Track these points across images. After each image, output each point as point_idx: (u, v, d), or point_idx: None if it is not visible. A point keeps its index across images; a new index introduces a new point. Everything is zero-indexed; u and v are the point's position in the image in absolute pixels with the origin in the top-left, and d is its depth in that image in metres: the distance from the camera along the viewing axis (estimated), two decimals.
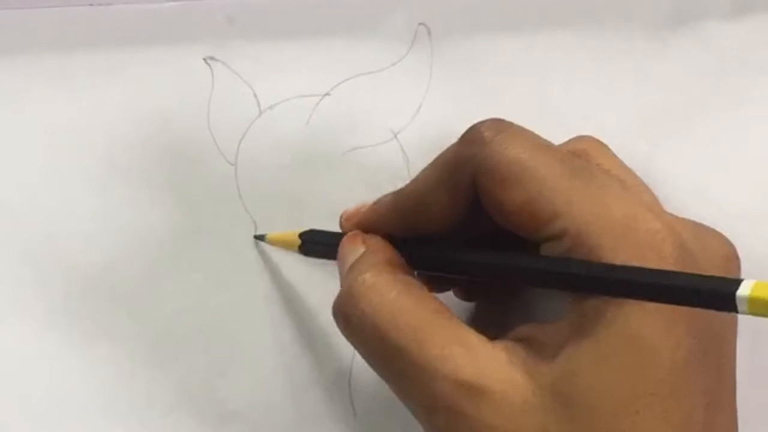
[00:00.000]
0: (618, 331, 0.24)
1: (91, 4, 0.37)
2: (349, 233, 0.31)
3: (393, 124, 0.36)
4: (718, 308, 0.22)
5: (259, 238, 0.35)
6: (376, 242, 0.30)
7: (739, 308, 0.21)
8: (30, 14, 0.38)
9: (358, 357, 0.34)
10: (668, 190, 0.35)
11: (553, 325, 0.26)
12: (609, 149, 0.31)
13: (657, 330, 0.24)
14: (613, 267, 0.24)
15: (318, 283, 0.34)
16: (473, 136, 0.27)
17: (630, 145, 0.35)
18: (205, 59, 0.36)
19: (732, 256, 0.28)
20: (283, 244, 0.34)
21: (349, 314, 0.28)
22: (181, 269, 0.34)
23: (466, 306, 0.34)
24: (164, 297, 0.34)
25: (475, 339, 0.26)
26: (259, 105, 0.36)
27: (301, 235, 0.33)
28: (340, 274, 0.30)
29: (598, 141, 0.31)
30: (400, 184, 0.32)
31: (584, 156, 0.29)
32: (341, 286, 0.29)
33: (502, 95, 0.36)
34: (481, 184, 0.27)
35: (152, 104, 0.36)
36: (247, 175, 0.35)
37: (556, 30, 0.38)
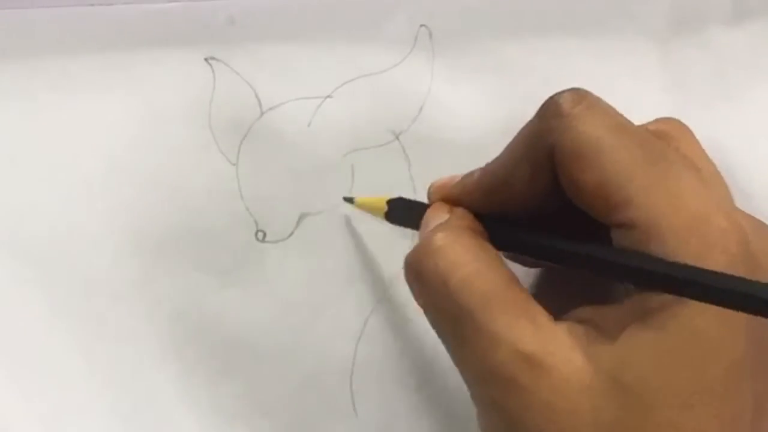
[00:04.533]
0: (681, 325, 0.24)
1: (92, 5, 0.37)
2: (436, 203, 0.30)
3: (394, 126, 0.36)
4: None
5: (348, 200, 0.35)
6: (461, 211, 0.29)
7: None
8: (30, 15, 0.38)
9: (360, 357, 0.34)
10: None
11: (615, 311, 0.26)
12: (691, 133, 0.30)
13: (718, 329, 0.24)
14: (680, 266, 0.24)
15: (320, 284, 0.34)
16: (551, 109, 0.27)
17: None
18: (206, 59, 0.36)
19: None
20: (370, 209, 0.34)
21: (422, 268, 0.27)
22: (182, 269, 0.34)
23: (531, 282, 0.34)
24: (165, 297, 0.34)
25: (541, 315, 0.26)
26: (260, 106, 0.36)
27: (389, 202, 0.33)
28: (420, 235, 0.30)
29: (681, 123, 0.30)
30: (402, 187, 0.32)
31: (665, 138, 0.28)
32: (419, 242, 0.28)
33: (503, 97, 0.36)
34: (557, 160, 0.26)
35: (154, 104, 0.36)
36: (249, 175, 0.35)
37: (558, 32, 0.38)
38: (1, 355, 0.34)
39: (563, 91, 0.27)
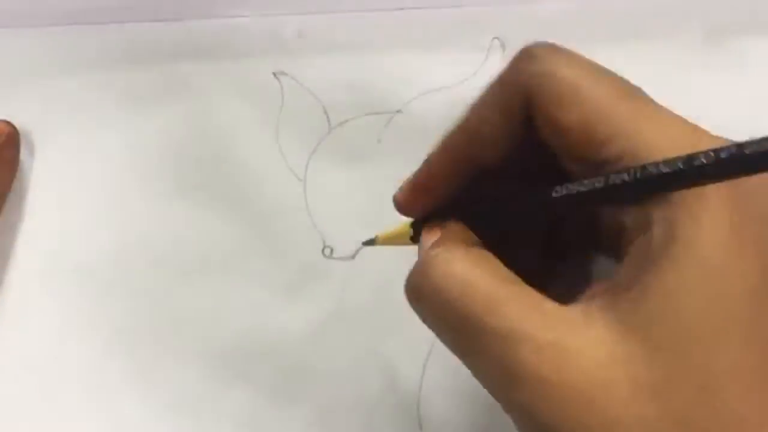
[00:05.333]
0: (687, 262, 0.24)
1: (159, 20, 0.38)
2: (426, 225, 0.30)
3: None
4: None
5: (369, 243, 0.35)
6: (452, 224, 0.29)
7: None
8: (97, 30, 0.39)
9: (427, 378, 0.33)
10: None
11: (620, 274, 0.25)
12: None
13: (729, 257, 0.24)
14: (688, 156, 0.23)
15: (386, 303, 0.34)
16: (527, 54, 0.26)
17: None
18: (275, 74, 0.37)
19: None
20: (395, 240, 0.34)
21: (419, 288, 0.27)
22: (249, 285, 0.34)
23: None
24: (231, 315, 0.35)
25: (550, 304, 0.25)
26: (329, 121, 0.36)
27: (413, 225, 0.32)
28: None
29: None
30: None
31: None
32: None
33: None
34: (535, 103, 0.26)
35: (221, 120, 0.37)
36: (316, 191, 0.35)
37: (631, 44, 0.38)
38: (63, 372, 0.35)
39: (538, 41, 0.27)
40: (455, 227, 0.29)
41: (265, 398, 0.34)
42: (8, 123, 0.37)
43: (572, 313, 0.25)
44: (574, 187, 0.26)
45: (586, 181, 0.26)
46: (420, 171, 0.29)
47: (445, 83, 0.36)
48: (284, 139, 0.36)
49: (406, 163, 0.35)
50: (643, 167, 0.24)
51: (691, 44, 0.38)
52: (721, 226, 0.24)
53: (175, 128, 0.37)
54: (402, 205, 0.30)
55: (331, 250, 0.35)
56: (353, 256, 0.35)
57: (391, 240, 0.33)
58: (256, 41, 0.38)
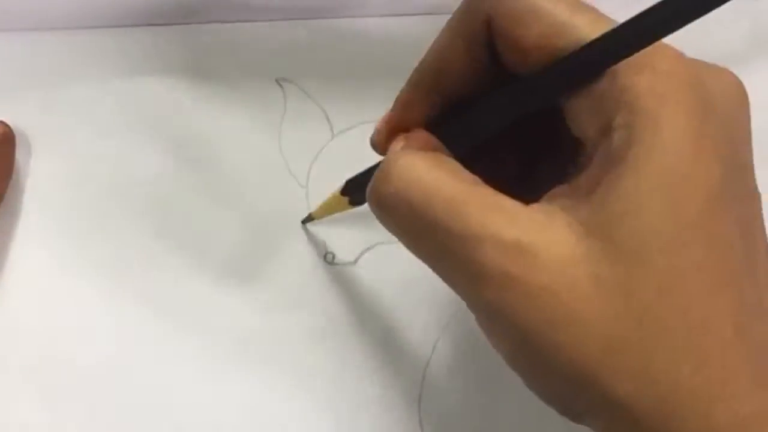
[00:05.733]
0: (648, 165, 0.24)
1: (161, 24, 0.38)
2: (394, 138, 0.30)
3: None
4: None
5: (308, 220, 0.35)
6: (414, 133, 0.29)
7: None
8: (95, 35, 0.39)
9: (428, 382, 0.34)
10: None
11: (583, 175, 0.26)
12: None
13: (687, 159, 0.24)
14: (633, 19, 0.24)
15: (387, 308, 0.34)
16: None
17: None
18: (277, 80, 0.37)
19: (741, 86, 0.28)
20: (332, 209, 0.34)
21: (381, 194, 0.27)
22: (249, 290, 0.34)
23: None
24: (231, 317, 0.35)
25: (511, 203, 0.26)
26: (331, 128, 0.36)
27: (344, 191, 0.33)
28: None
29: None
30: None
31: None
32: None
33: None
34: (495, 26, 0.26)
35: (223, 125, 0.37)
36: (319, 198, 0.35)
37: None
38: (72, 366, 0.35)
39: None
40: (419, 134, 0.29)
41: (264, 399, 0.34)
42: (3, 123, 0.37)
43: (534, 212, 0.25)
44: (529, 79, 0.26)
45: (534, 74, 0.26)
46: (393, 109, 0.30)
47: None
48: (286, 145, 0.36)
49: None
50: (587, 44, 0.25)
51: (724, 51, 0.38)
52: (681, 130, 0.24)
53: (176, 133, 0.37)
54: (379, 146, 0.30)
55: (333, 256, 0.35)
56: (355, 262, 0.35)
57: (328, 209, 0.34)
58: (259, 47, 0.37)
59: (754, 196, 0.27)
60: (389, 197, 0.27)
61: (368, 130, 0.34)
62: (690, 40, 0.37)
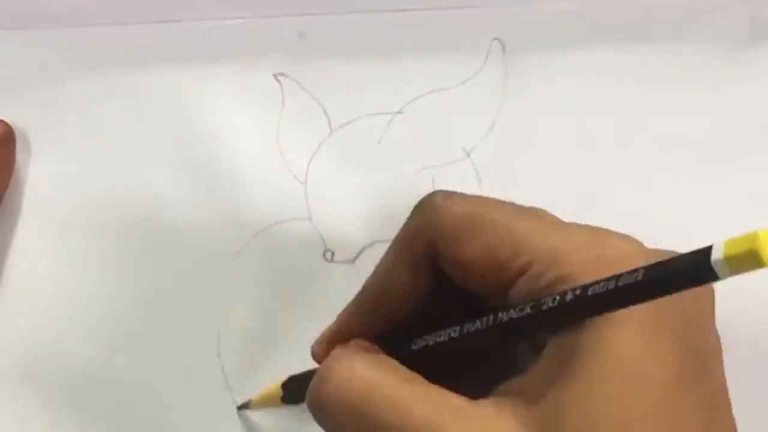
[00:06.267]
0: (601, 358, 0.24)
1: (159, 21, 0.38)
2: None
3: (465, 143, 0.36)
4: (700, 282, 0.21)
5: (243, 407, 0.35)
6: (352, 341, 0.29)
7: (720, 274, 0.21)
8: (97, 31, 0.39)
9: None
10: (746, 206, 0.35)
11: (536, 370, 0.26)
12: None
13: (640, 349, 0.24)
14: (586, 287, 0.24)
15: None
16: (423, 206, 0.28)
17: (707, 162, 0.35)
18: (275, 76, 0.37)
19: None
20: (269, 401, 0.34)
21: (321, 399, 0.27)
22: (249, 287, 0.34)
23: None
24: (232, 314, 0.35)
25: (458, 401, 0.25)
26: (330, 123, 0.36)
27: (284, 386, 0.33)
28: None
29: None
30: None
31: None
32: None
33: (576, 112, 0.36)
34: (439, 250, 0.27)
35: (221, 121, 0.37)
36: (317, 194, 0.35)
37: (632, 46, 0.38)
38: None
39: (434, 191, 0.28)
40: (356, 341, 0.29)
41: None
42: (3, 122, 0.37)
43: (483, 408, 0.25)
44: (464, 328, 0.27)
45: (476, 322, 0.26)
46: (335, 326, 0.30)
47: (446, 84, 0.36)
48: (285, 141, 0.36)
49: (406, 163, 0.36)
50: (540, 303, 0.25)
51: (699, 48, 0.38)
52: (633, 322, 0.24)
53: (174, 130, 0.37)
54: (319, 358, 0.30)
55: (332, 254, 0.35)
56: (354, 260, 0.35)
57: (266, 402, 0.34)
58: (256, 43, 0.38)
59: (718, 384, 0.27)
60: (329, 397, 0.26)
61: (367, 125, 0.36)
62: (689, 34, 0.37)
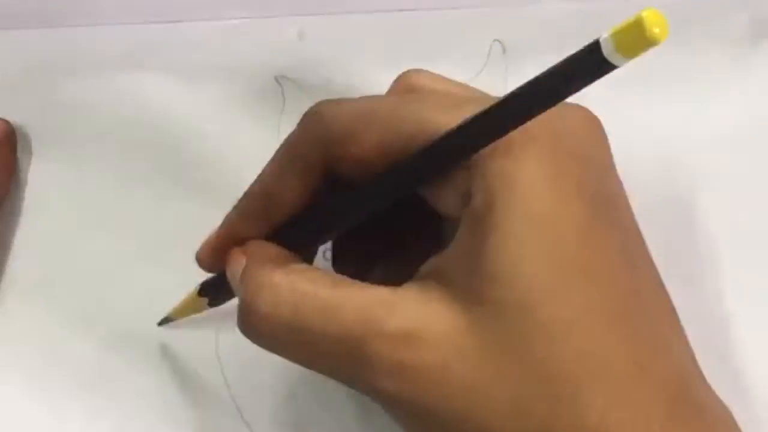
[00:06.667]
0: (510, 220, 0.24)
1: (160, 21, 0.38)
2: (231, 251, 0.30)
3: None
4: (597, 74, 0.22)
5: (165, 321, 0.35)
6: (256, 246, 0.29)
7: (613, 60, 0.21)
8: (96, 32, 0.39)
9: None
10: (748, 204, 0.35)
11: (452, 245, 0.26)
12: (437, 75, 0.31)
13: (549, 204, 0.24)
14: (482, 113, 0.24)
15: None
16: (311, 116, 0.28)
17: (712, 161, 0.35)
18: (276, 78, 0.37)
19: (592, 118, 0.29)
20: (188, 311, 0.34)
21: (254, 324, 0.27)
22: None
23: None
24: (232, 314, 0.34)
25: (384, 293, 0.26)
26: None
27: (199, 292, 0.33)
28: (236, 293, 0.30)
29: (425, 72, 0.31)
30: None
31: (417, 90, 0.30)
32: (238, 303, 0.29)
33: None
34: (333, 153, 0.27)
35: (222, 123, 0.37)
36: None
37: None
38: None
39: (316, 103, 0.29)
40: (259, 247, 0.29)
41: (267, 398, 0.34)
42: (4, 121, 0.37)
43: (408, 293, 0.26)
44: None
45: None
46: (219, 232, 0.30)
47: None
48: None
49: None
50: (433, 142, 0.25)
51: (700, 49, 0.38)
52: (535, 177, 0.24)
53: (175, 131, 0.37)
54: (204, 264, 0.31)
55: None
56: None
57: (185, 311, 0.34)
58: (257, 43, 0.38)
59: (630, 225, 0.27)
60: (261, 323, 0.27)
61: None
62: (689, 35, 0.37)
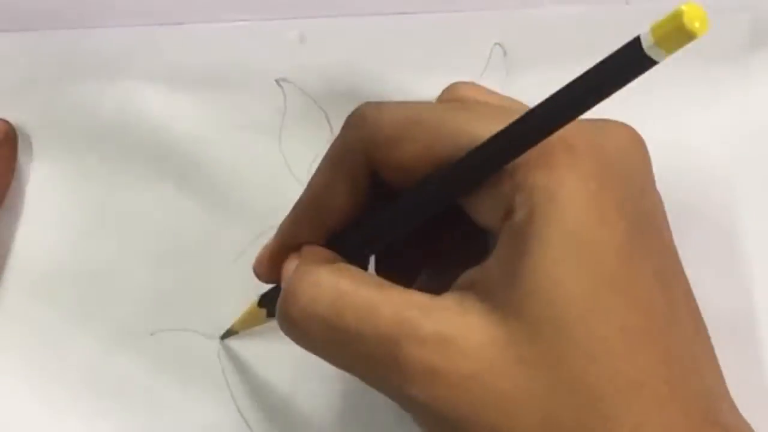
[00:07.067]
0: (552, 236, 0.25)
1: (161, 23, 0.38)
2: (288, 258, 0.31)
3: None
4: (638, 70, 0.22)
5: (227, 335, 0.35)
6: (309, 248, 0.30)
7: (655, 57, 0.21)
8: (96, 34, 0.39)
9: None
10: (744, 211, 0.35)
11: (494, 257, 0.26)
12: (485, 88, 0.31)
13: (589, 221, 0.25)
14: (524, 116, 0.24)
15: None
16: (354, 120, 0.29)
17: (709, 169, 0.35)
18: (277, 81, 0.37)
19: (636, 137, 0.29)
20: (251, 323, 0.34)
21: (291, 316, 0.27)
22: (251, 290, 0.34)
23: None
24: (230, 317, 0.35)
25: (422, 297, 0.26)
26: (331, 128, 0.37)
27: (260, 304, 0.33)
28: None
29: (472, 85, 0.31)
30: None
31: (465, 100, 0.30)
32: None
33: None
34: (377, 158, 0.28)
35: (224, 125, 0.37)
36: None
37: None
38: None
39: (361, 104, 0.29)
40: (313, 249, 0.30)
41: (267, 399, 0.35)
42: (5, 121, 0.37)
43: (447, 302, 0.26)
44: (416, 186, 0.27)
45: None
46: (274, 242, 0.31)
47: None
48: (287, 145, 0.37)
49: None
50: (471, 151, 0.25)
51: (699, 53, 0.37)
52: (578, 194, 0.25)
53: (177, 133, 0.37)
54: (261, 275, 0.32)
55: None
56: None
57: (247, 322, 0.35)
58: (258, 46, 0.38)
59: (667, 244, 0.28)
60: (298, 315, 0.27)
61: None
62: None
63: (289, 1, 0.38)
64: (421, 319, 0.25)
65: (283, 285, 0.29)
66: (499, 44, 0.37)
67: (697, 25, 0.20)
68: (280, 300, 0.28)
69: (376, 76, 0.37)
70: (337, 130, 0.34)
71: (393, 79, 0.37)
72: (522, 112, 0.26)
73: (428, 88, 0.35)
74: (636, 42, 0.21)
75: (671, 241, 0.28)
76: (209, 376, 0.35)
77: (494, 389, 0.24)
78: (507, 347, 0.24)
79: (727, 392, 0.27)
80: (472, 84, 0.31)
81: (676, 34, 0.20)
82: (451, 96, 0.31)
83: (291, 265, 0.30)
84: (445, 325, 0.25)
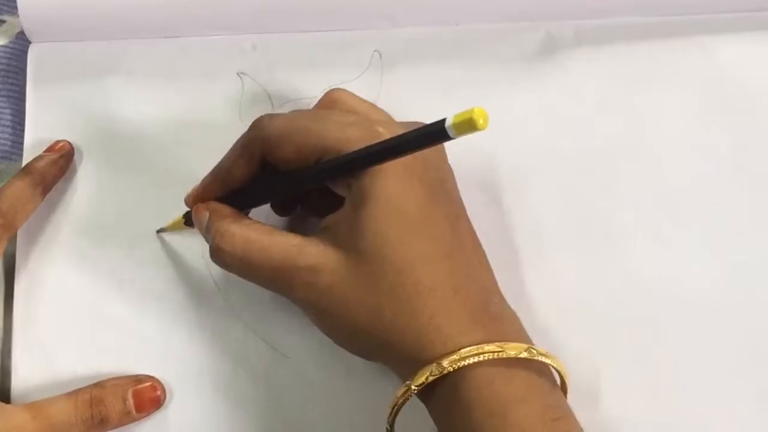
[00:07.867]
0: (376, 199, 0.31)
1: (164, 37, 0.43)
2: (195, 206, 0.36)
3: None
4: (439, 140, 0.26)
5: (163, 230, 0.40)
6: (215, 205, 0.35)
7: (451, 135, 0.25)
8: (91, 46, 0.43)
9: None
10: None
11: (342, 210, 0.32)
12: (352, 94, 0.36)
13: (399, 190, 0.31)
14: (360, 150, 0.30)
15: None
16: (258, 123, 0.34)
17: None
18: (238, 74, 0.43)
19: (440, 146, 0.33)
20: (177, 228, 0.39)
21: (220, 259, 0.34)
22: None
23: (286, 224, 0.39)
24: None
25: (297, 239, 0.32)
26: (272, 104, 0.43)
27: (185, 218, 0.38)
28: (202, 235, 0.36)
29: (343, 91, 0.36)
30: None
31: (334, 105, 0.36)
32: (208, 243, 0.35)
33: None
34: (266, 152, 0.33)
35: (202, 109, 0.43)
36: None
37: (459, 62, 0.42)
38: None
39: (262, 115, 0.34)
40: (218, 206, 0.35)
41: (254, 294, 0.39)
42: (68, 142, 0.42)
43: (313, 240, 0.32)
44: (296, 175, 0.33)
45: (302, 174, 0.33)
46: (198, 189, 0.36)
47: (340, 82, 0.42)
48: (244, 115, 0.42)
49: None
50: (324, 163, 0.31)
51: (499, 62, 0.41)
52: (392, 173, 0.31)
53: (162, 119, 0.43)
54: (187, 205, 0.38)
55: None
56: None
57: (174, 227, 0.39)
58: (226, 51, 0.43)
59: (455, 198, 0.33)
60: (224, 256, 0.33)
61: (296, 106, 0.42)
62: (489, 52, 0.42)
63: (244, 21, 0.42)
64: (297, 255, 0.32)
65: (206, 237, 0.35)
66: (377, 51, 0.43)
67: (481, 122, 0.23)
68: (210, 248, 0.34)
69: (300, 71, 0.43)
70: (277, 108, 0.42)
71: (309, 74, 0.43)
72: (366, 120, 0.32)
73: (328, 80, 0.42)
74: (442, 122, 0.25)
75: (458, 197, 0.33)
76: (201, 279, 0.40)
77: (342, 294, 0.31)
78: (349, 268, 0.31)
79: (497, 290, 0.33)
80: (343, 91, 0.37)
81: (467, 124, 0.24)
82: (327, 99, 0.36)
83: (201, 213, 0.35)
84: (312, 257, 0.32)
